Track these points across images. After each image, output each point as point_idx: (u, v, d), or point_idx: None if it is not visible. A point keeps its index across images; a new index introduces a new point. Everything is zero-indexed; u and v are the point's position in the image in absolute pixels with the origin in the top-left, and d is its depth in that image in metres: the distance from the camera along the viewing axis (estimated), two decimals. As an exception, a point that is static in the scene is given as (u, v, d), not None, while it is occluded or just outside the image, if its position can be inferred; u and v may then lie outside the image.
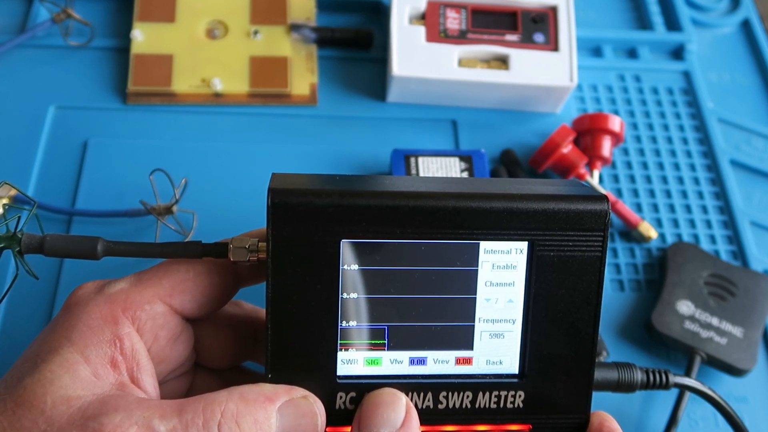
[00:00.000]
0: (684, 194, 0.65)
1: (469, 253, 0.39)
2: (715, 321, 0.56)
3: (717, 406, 0.47)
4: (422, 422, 0.40)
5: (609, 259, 0.61)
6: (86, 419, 0.34)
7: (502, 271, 0.39)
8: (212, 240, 0.41)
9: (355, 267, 0.38)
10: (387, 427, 0.38)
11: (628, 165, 0.66)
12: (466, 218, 0.38)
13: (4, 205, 0.56)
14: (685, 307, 0.57)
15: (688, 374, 0.54)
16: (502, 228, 0.38)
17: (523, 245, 0.39)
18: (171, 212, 0.55)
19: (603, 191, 0.62)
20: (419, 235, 0.38)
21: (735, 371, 0.55)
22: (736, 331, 0.56)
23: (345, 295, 0.39)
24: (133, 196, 0.57)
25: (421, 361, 0.40)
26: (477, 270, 0.39)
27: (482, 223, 0.38)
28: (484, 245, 0.39)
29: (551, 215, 0.38)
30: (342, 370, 0.39)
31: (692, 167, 0.67)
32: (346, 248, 0.38)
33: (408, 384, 0.40)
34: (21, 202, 0.58)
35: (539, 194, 0.38)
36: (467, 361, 0.40)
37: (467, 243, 0.38)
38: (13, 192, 0.57)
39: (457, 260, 0.39)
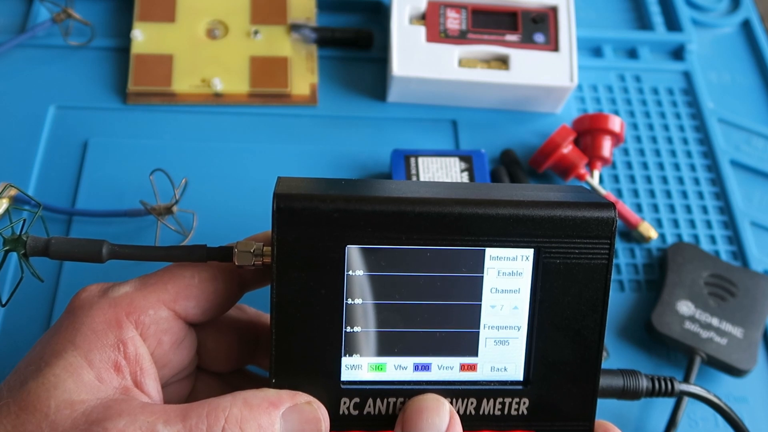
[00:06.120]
0: (684, 194, 0.65)
1: (474, 259, 0.39)
2: (715, 321, 0.56)
3: (723, 414, 0.47)
4: None
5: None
6: (90, 424, 0.34)
7: (507, 277, 0.39)
8: (213, 240, 0.41)
9: (360, 272, 0.38)
10: None
11: (629, 165, 0.66)
12: (471, 224, 0.38)
13: (9, 207, 0.56)
14: (685, 307, 0.57)
15: (688, 375, 0.55)
16: (508, 235, 0.38)
17: (529, 252, 0.39)
18: (171, 212, 0.55)
19: (603, 192, 0.62)
20: (425, 241, 0.38)
21: (735, 371, 0.55)
22: (736, 331, 0.56)
23: (350, 301, 0.38)
24: (133, 196, 0.57)
25: (426, 367, 0.40)
26: (482, 276, 0.39)
27: (488, 229, 0.38)
28: (489, 252, 0.38)
29: (558, 222, 0.38)
30: (346, 375, 0.39)
31: (692, 167, 0.67)
32: (351, 254, 0.38)
33: (412, 390, 0.40)
34: (23, 203, 0.57)
35: (546, 201, 0.38)
36: (472, 367, 0.40)
37: (473, 249, 0.38)
38: (14, 192, 0.57)
39: (462, 266, 0.39)
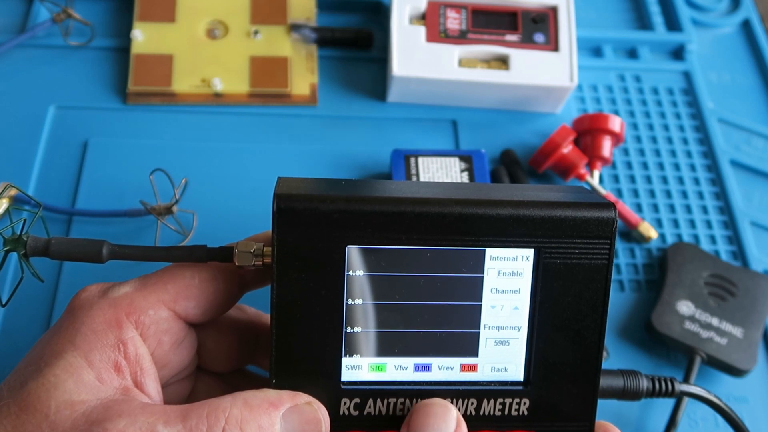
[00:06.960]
0: (684, 194, 0.65)
1: (474, 259, 0.38)
2: (715, 321, 0.56)
3: (723, 414, 0.47)
4: None
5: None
6: (90, 424, 0.34)
7: (507, 278, 0.39)
8: (213, 240, 0.41)
9: (361, 273, 0.38)
10: None
11: (629, 165, 0.66)
12: (472, 225, 0.38)
13: (9, 207, 0.56)
14: (685, 307, 0.57)
15: (688, 375, 0.54)
16: (508, 235, 0.38)
17: (530, 252, 0.39)
18: (171, 212, 0.55)
19: (603, 192, 0.62)
20: (425, 242, 0.38)
21: (735, 371, 0.55)
22: (736, 331, 0.56)
23: (350, 301, 0.38)
24: (133, 196, 0.57)
25: (426, 368, 0.40)
26: (483, 277, 0.39)
27: (488, 229, 0.38)
28: (490, 252, 0.38)
29: (558, 222, 0.38)
30: (346, 375, 0.39)
31: (692, 167, 0.67)
32: (351, 254, 0.38)
33: (413, 390, 0.40)
34: (23, 203, 0.57)
35: (546, 201, 0.38)
36: (472, 367, 0.40)
37: (473, 250, 0.38)
38: (13, 192, 0.57)
39: (462, 267, 0.39)
